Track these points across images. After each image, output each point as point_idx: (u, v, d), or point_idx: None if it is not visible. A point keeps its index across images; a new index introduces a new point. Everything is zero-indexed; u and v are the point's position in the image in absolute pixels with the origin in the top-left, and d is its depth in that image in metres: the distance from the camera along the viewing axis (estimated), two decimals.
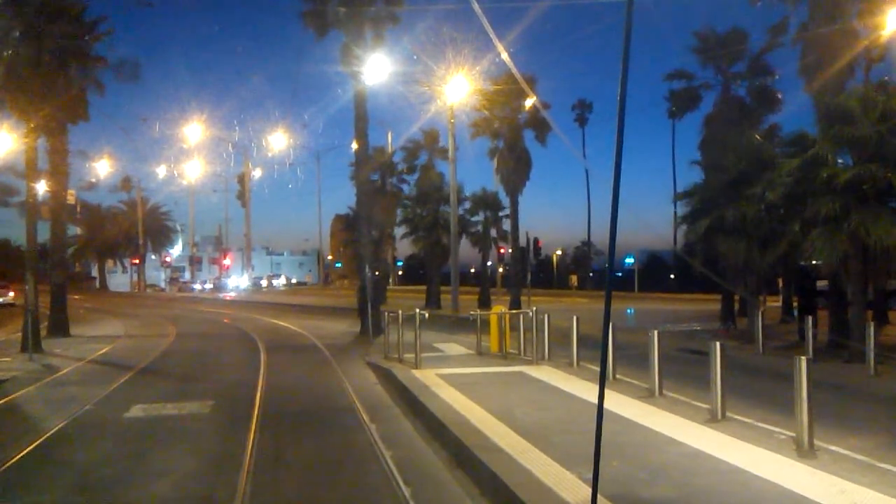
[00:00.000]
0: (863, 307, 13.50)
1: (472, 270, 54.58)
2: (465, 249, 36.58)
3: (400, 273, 78.14)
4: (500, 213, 33.51)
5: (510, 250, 33.17)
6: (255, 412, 10.34)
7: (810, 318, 13.53)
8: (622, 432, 7.77)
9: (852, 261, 12.84)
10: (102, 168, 53.83)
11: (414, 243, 34.24)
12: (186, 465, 7.68)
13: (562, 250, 76.75)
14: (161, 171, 58.01)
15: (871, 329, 11.90)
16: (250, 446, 8.31)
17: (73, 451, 8.55)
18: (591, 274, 63.11)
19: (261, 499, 6.48)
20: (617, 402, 9.33)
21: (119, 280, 79.07)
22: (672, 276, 56.89)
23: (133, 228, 66.03)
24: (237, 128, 65.35)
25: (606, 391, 9.90)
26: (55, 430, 9.47)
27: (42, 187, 22.88)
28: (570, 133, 66.76)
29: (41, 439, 8.93)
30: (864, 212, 12.48)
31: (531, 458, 6.80)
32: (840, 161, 13.76)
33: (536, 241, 32.14)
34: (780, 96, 20.84)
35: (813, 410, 6.83)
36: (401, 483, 6.78)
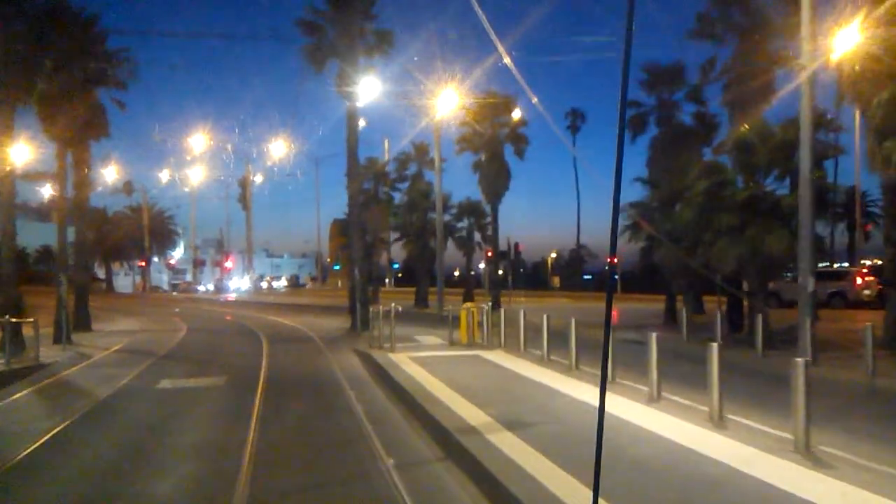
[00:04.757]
0: (761, 302, 16.25)
1: (458, 273, 57.29)
2: (453, 253, 39.42)
3: (399, 275, 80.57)
4: (485, 221, 36.26)
5: (500, 252, 35.87)
6: (260, 384, 13.07)
7: (718, 312, 16.30)
8: (538, 394, 10.54)
9: (749, 264, 15.59)
10: (110, 174, 56.44)
11: (404, 248, 37.04)
12: (208, 418, 10.44)
13: (556, 253, 79.48)
14: (164, 175, 60.58)
15: (759, 319, 14.68)
16: (257, 405, 11.05)
17: (124, 408, 11.31)
18: (587, 277, 65.68)
19: (266, 438, 9.17)
20: (541, 374, 12.12)
21: (122, 282, 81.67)
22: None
23: (138, 232, 68.64)
24: (237, 131, 67.85)
25: (541, 369, 12.55)
26: (106, 396, 12.23)
27: (48, 191, 25.44)
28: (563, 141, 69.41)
29: (99, 401, 11.70)
30: (759, 225, 15.25)
31: (459, 405, 9.56)
32: (752, 184, 16.53)
33: (517, 245, 35.00)
34: (715, 121, 23.70)
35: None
36: (368, 425, 9.52)
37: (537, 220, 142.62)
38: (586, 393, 10.26)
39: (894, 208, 15.09)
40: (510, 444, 7.31)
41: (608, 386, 10.47)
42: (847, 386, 11.99)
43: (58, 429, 9.59)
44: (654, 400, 9.56)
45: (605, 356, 3.21)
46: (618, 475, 6.09)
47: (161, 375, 14.41)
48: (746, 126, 15.81)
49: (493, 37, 8.71)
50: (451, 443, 7.78)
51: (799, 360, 7.01)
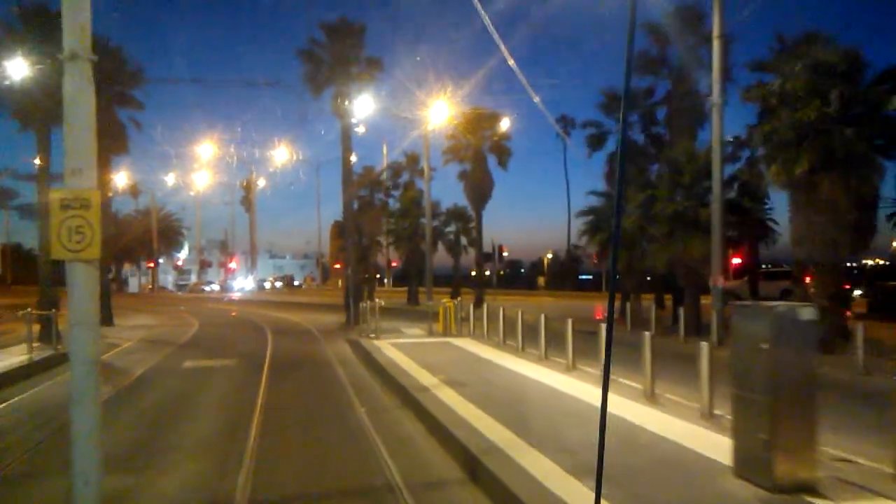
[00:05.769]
0: (693, 298, 19.15)
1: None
2: (445, 255, 42.34)
3: (400, 275, 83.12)
4: (471, 225, 39.21)
5: (484, 254, 38.84)
6: (266, 364, 15.99)
7: (654, 305, 19.23)
8: (483, 367, 13.46)
9: (677, 266, 18.50)
10: (119, 179, 59.29)
11: (397, 250, 40.02)
12: (227, 385, 13.38)
13: (552, 254, 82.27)
14: (170, 179, 63.44)
15: (682, 311, 17.62)
16: (264, 377, 13.99)
17: (159, 381, 14.25)
18: (585, 277, 68.35)
19: (273, 397, 12.07)
20: (493, 354, 15.08)
21: (130, 282, 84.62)
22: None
23: (146, 234, 71.61)
24: (241, 132, 70.39)
25: (496, 351, 15.53)
26: (141, 373, 15.17)
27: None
28: (555, 146, 72.36)
29: (137, 376, 14.65)
30: (684, 234, 18.16)
31: (420, 374, 12.49)
32: (679, 199, 19.42)
33: (500, 247, 37.97)
34: (662, 141, 26.56)
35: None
36: (350, 389, 12.45)
37: (537, 222, 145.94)
38: (523, 367, 13.18)
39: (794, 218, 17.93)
40: (447, 395, 10.25)
41: (541, 362, 13.41)
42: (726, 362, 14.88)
43: (110, 394, 12.53)
44: (570, 370, 12.48)
45: (607, 356, 3.00)
46: (513, 410, 9.02)
47: (184, 358, 17.35)
48: (676, 148, 18.71)
49: (497, 38, 11.24)
50: (406, 396, 10.72)
51: (646, 333, 9.96)
